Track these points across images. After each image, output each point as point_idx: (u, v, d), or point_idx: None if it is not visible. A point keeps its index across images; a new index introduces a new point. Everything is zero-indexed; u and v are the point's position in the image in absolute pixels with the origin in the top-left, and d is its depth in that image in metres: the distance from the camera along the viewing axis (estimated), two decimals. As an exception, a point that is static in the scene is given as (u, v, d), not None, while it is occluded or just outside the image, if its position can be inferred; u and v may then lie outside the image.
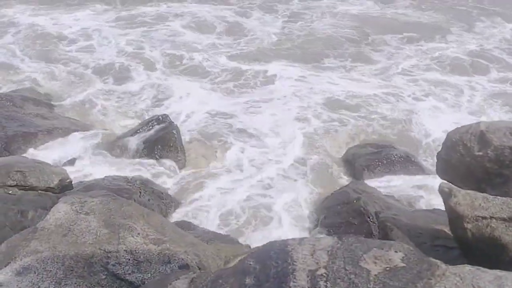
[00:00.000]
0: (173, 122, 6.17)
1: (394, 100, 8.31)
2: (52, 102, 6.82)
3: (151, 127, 5.98)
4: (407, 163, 5.85)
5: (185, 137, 6.55)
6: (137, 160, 5.78)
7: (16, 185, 4.07)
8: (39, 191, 4.04)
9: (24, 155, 5.48)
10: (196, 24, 11.42)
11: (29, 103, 6.34)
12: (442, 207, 3.26)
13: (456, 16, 12.86)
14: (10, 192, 3.95)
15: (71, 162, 5.61)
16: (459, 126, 3.72)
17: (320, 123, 7.37)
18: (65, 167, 5.34)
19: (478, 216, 2.75)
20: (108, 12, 11.96)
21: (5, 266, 2.64)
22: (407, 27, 12.00)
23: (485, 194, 2.91)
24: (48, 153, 5.79)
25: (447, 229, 3.31)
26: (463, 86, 8.95)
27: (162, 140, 5.83)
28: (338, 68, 9.56)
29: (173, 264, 2.64)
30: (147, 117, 6.59)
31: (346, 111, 7.80)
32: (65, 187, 4.38)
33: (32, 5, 12.03)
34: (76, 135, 6.22)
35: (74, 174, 5.39)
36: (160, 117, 6.16)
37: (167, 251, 2.71)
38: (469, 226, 2.78)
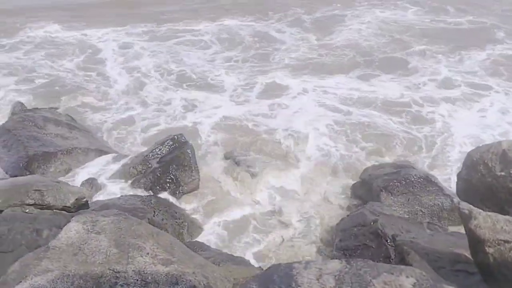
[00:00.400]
0: (188, 142, 6.21)
1: (431, 109, 8.10)
2: (72, 123, 6.98)
3: (166, 146, 6.03)
4: (426, 184, 5.67)
5: (200, 155, 6.56)
6: (152, 179, 5.79)
7: (34, 204, 4.14)
8: (55, 210, 4.09)
9: (43, 174, 5.60)
10: (225, 37, 11.44)
11: (50, 123, 6.52)
12: (463, 230, 3.13)
13: (502, 20, 12.38)
14: (27, 211, 4.01)
15: (89, 181, 5.68)
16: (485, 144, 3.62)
17: (340, 135, 7.27)
18: (82, 186, 5.43)
19: (500, 240, 2.63)
20: (141, 29, 12.11)
21: (17, 285, 2.66)
22: (446, 33, 11.68)
23: (507, 217, 2.78)
24: (67, 172, 5.90)
25: (467, 253, 3.16)
26: (504, 94, 8.62)
27: (177, 160, 5.86)
28: (370, 77, 9.40)
29: (180, 286, 2.61)
30: (163, 136, 6.63)
31: (374, 122, 7.66)
32: (80, 206, 4.42)
33: (68, 22, 12.33)
34: (94, 155, 6.33)
35: (91, 193, 5.46)
36: (175, 136, 6.21)
37: (175, 272, 2.67)
38: (490, 250, 2.65)
